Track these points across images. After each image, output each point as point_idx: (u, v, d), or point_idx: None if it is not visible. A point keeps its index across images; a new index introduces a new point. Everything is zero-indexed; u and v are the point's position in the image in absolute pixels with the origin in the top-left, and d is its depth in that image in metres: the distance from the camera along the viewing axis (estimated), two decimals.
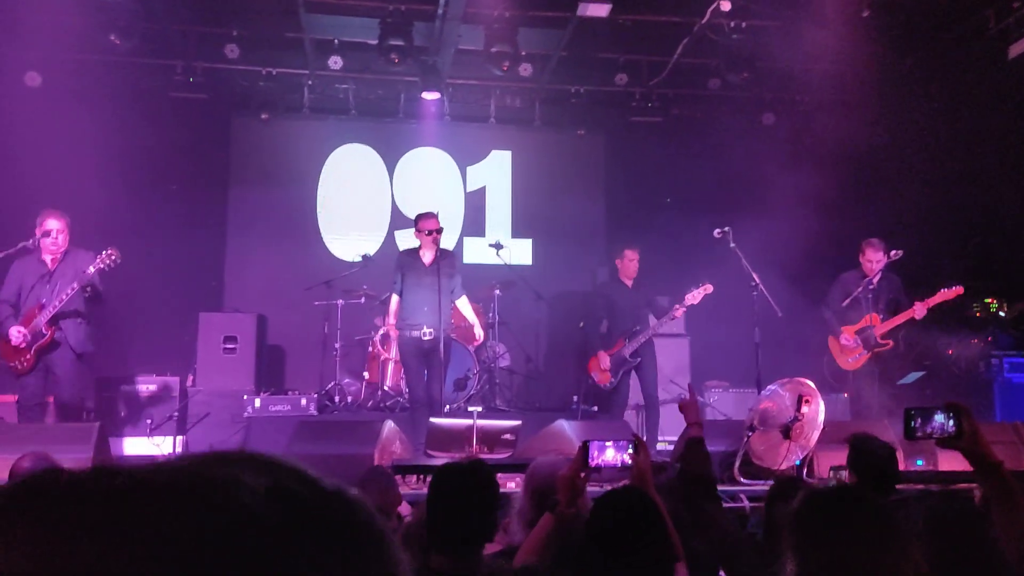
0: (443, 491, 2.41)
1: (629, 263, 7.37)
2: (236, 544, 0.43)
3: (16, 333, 5.86)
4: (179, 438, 7.23)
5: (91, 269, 5.86)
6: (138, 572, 0.41)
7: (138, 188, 8.16)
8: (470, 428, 6.07)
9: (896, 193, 8.24)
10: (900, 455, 5.53)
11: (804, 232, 8.64)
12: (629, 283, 7.39)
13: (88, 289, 5.92)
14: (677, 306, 6.98)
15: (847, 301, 6.85)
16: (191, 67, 8.49)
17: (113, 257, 5.90)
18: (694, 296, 6.90)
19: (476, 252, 9.51)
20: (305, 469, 0.48)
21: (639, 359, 7.20)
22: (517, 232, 9.87)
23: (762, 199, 9.02)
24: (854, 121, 8.74)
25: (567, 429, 6.07)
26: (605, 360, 7.23)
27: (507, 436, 6.09)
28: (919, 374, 8.05)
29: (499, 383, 8.32)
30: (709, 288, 6.87)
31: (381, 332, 7.99)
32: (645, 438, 6.83)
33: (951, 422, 2.14)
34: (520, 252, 9.66)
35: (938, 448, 5.67)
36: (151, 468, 0.46)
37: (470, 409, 6.83)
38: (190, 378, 7.84)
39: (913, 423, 2.20)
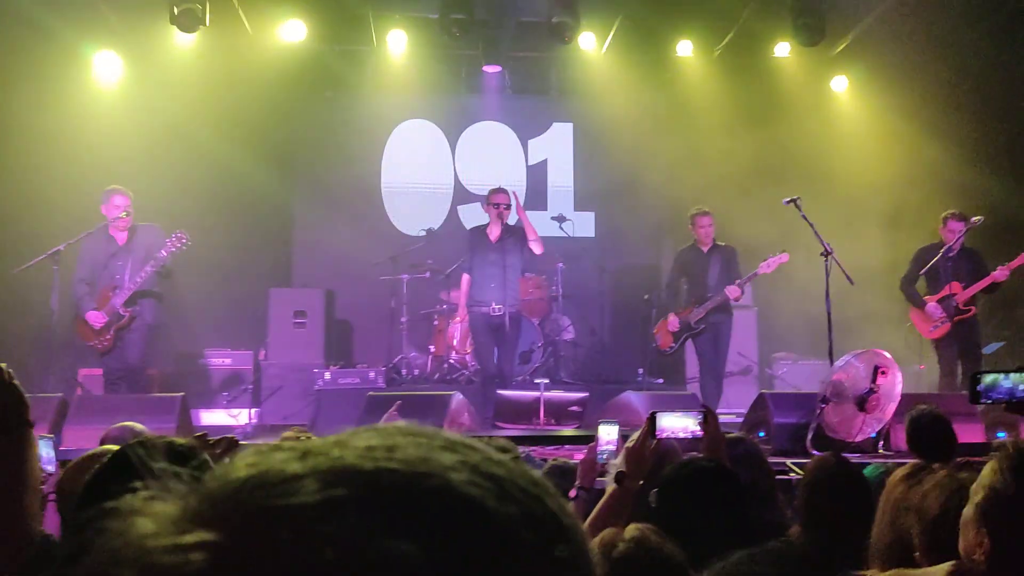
0: None
1: (700, 230, 7.09)
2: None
3: (96, 318, 6.14)
4: (253, 410, 7.45)
5: (164, 253, 6.08)
6: None
7: (207, 166, 8.37)
8: (537, 400, 6.11)
9: (976, 159, 7.91)
10: (980, 428, 5.39)
11: (878, 201, 8.40)
12: (704, 249, 7.12)
13: (162, 270, 6.17)
14: (745, 277, 6.76)
15: (924, 269, 6.68)
16: (256, 45, 8.62)
17: (184, 240, 6.13)
18: (768, 265, 6.57)
19: (539, 225, 9.35)
20: (522, 480, 0.45)
21: (702, 327, 6.91)
22: (580, 205, 9.81)
23: (833, 167, 8.79)
24: (931, 84, 8.40)
25: (635, 401, 6.06)
26: (674, 323, 7.00)
27: (574, 408, 6.12)
28: (998, 344, 7.78)
29: (564, 356, 8.33)
30: (784, 257, 6.56)
31: (456, 320, 8.06)
32: None
33: (1022, 386, 2.05)
34: (583, 225, 9.61)
35: (1021, 421, 5.54)
36: (376, 471, 0.42)
37: (536, 381, 6.87)
38: (262, 352, 8.06)
39: (979, 387, 2.12)
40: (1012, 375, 2.07)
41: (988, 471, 1.51)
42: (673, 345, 7.06)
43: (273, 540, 0.39)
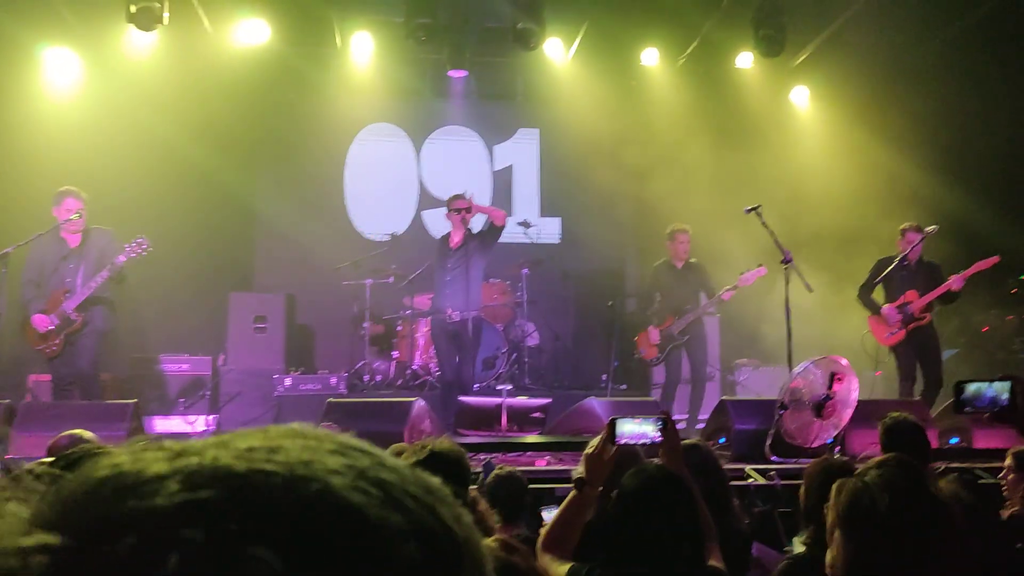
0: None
1: (678, 245, 7.34)
2: None
3: (41, 321, 5.97)
4: (211, 417, 7.33)
5: (122, 259, 5.92)
6: None
7: (166, 168, 8.23)
8: (499, 406, 6.09)
9: (934, 169, 8.06)
10: (934, 433, 5.48)
11: (837, 209, 8.52)
12: (679, 264, 7.38)
13: (117, 275, 6.01)
14: (727, 288, 6.94)
15: (880, 278, 6.80)
16: (217, 45, 8.49)
17: (144, 246, 5.97)
18: (746, 278, 6.83)
19: (504, 231, 9.47)
20: (419, 491, 0.42)
21: (687, 337, 7.21)
22: (545, 211, 9.82)
23: (793, 176, 8.91)
24: (889, 95, 8.56)
25: (597, 407, 6.06)
26: (655, 335, 7.27)
27: (536, 414, 6.10)
28: (952, 352, 7.93)
29: (528, 362, 8.32)
30: (763, 271, 6.78)
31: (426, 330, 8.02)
32: (689, 415, 6.92)
33: (1005, 395, 2.05)
34: (548, 230, 9.63)
35: (973, 426, 5.64)
36: (250, 477, 0.39)
37: (499, 388, 6.85)
38: (221, 357, 7.93)
39: (962, 396, 2.12)
40: (995, 384, 2.08)
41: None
42: (659, 355, 7.31)
43: (117, 545, 0.36)
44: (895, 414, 3.71)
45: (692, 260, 7.44)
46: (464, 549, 0.42)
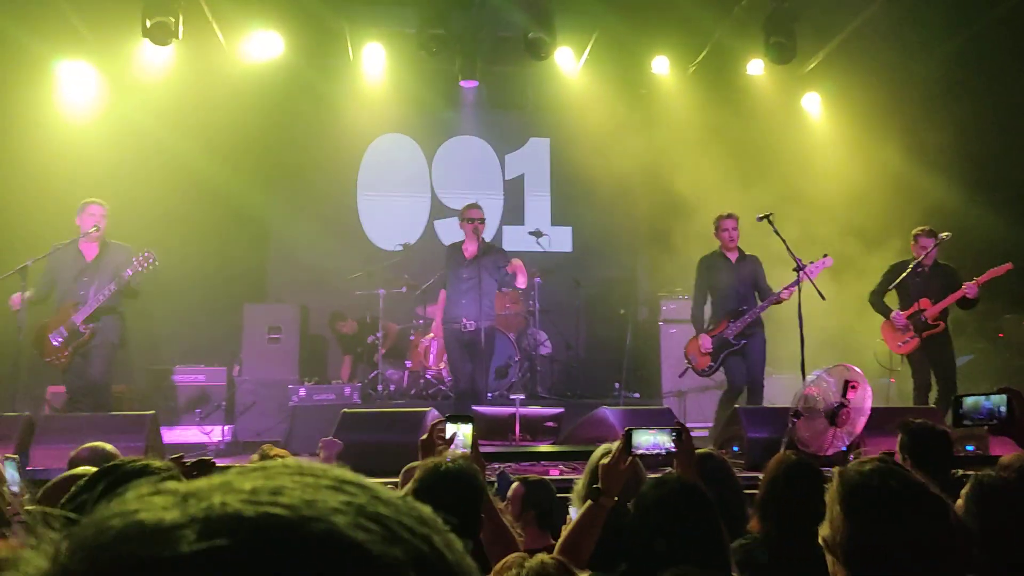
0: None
1: (724, 233, 6.68)
2: None
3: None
4: (227, 427, 7.37)
5: (129, 272, 5.95)
6: None
7: (180, 180, 8.30)
8: (512, 416, 6.10)
9: (948, 176, 8.03)
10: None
11: (849, 216, 8.51)
12: (732, 257, 6.74)
13: (126, 289, 6.04)
14: (787, 285, 6.32)
15: (894, 284, 6.75)
16: (231, 58, 8.57)
17: (151, 260, 5.98)
18: (811, 270, 6.14)
19: (516, 240, 9.51)
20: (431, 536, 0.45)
21: (743, 342, 6.56)
22: (557, 219, 9.84)
23: (805, 183, 8.90)
24: (901, 102, 8.54)
25: (610, 416, 6.06)
26: (707, 342, 6.63)
27: (550, 424, 6.11)
28: (968, 357, 7.88)
29: (540, 371, 8.33)
30: (829, 262, 6.27)
31: (429, 336, 8.02)
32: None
33: (1003, 408, 2.07)
34: (560, 239, 9.64)
35: (988, 434, 5.61)
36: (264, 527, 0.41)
37: (512, 397, 6.86)
38: (236, 368, 7.98)
39: (960, 410, 2.13)
40: (993, 397, 2.09)
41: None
42: (712, 364, 6.68)
43: None
44: (917, 420, 3.68)
45: (749, 253, 6.76)
46: (457, 572, 0.45)
